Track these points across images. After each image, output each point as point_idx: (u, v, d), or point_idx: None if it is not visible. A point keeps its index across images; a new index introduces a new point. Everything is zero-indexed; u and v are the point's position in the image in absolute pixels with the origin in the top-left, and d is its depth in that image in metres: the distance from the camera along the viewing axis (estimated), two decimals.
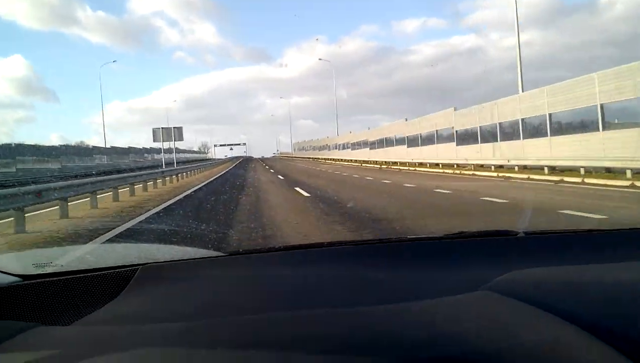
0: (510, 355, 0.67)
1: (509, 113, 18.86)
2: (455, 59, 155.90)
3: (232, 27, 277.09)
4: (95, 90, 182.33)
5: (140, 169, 21.84)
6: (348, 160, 46.16)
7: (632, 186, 10.62)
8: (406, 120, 31.59)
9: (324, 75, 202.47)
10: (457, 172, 20.15)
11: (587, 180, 12.28)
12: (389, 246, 1.50)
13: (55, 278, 1.14)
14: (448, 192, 10.98)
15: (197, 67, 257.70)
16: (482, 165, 20.07)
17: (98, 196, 10.61)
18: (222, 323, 0.86)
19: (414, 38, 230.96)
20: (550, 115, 16.15)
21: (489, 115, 20.53)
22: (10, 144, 26.37)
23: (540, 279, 1.02)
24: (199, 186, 17.03)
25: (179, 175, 22.36)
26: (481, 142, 21.20)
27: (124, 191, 13.08)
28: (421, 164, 26.79)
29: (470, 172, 19.05)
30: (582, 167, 13.40)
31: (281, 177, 21.18)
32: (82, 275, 1.15)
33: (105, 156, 47.30)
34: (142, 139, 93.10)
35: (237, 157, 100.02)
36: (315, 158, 66.16)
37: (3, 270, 1.14)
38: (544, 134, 16.38)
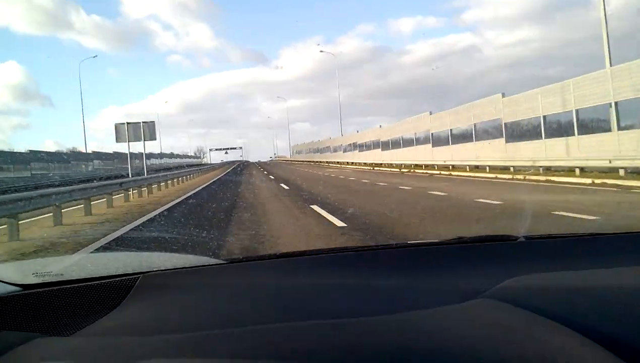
0: (510, 361, 0.68)
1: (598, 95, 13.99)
2: (452, 58, 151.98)
3: (227, 28, 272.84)
4: (91, 95, 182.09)
5: (103, 178, 16.97)
6: (356, 163, 41.10)
7: None
8: (431, 113, 26.67)
9: (320, 78, 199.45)
10: (519, 177, 15.20)
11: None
12: (389, 252, 1.48)
13: (55, 288, 1.11)
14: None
15: (193, 70, 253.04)
16: (549, 168, 15.16)
17: None
18: (223, 332, 0.86)
19: (410, 37, 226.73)
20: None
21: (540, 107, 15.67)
22: None
23: (541, 285, 1.02)
24: (172, 204, 12.06)
25: (160, 184, 17.44)
26: (545, 138, 16.36)
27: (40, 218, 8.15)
28: (455, 167, 21.87)
29: (544, 178, 14.03)
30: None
31: (285, 187, 16.26)
32: (82, 284, 1.13)
33: (87, 163, 42.91)
34: (139, 144, 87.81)
35: (232, 162, 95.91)
36: (317, 161, 61.12)
37: (3, 280, 1.12)
38: None
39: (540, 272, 1.11)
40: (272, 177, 24.98)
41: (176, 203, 11.90)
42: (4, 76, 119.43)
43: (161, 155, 75.05)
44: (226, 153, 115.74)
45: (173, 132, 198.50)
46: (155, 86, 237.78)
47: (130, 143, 16.23)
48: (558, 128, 15.94)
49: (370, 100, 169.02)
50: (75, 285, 1.13)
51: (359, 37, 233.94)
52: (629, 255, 1.30)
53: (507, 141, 18.73)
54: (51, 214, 8.53)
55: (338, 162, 47.97)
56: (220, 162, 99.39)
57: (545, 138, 16.42)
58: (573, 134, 15.01)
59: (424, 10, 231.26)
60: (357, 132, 44.18)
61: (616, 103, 13.36)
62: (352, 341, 0.77)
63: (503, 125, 18.97)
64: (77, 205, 10.38)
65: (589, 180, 11.96)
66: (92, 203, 10.35)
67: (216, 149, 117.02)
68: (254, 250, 5.05)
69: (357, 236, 5.60)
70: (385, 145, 34.63)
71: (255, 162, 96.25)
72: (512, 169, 16.90)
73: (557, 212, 6.74)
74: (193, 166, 52.50)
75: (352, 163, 42.49)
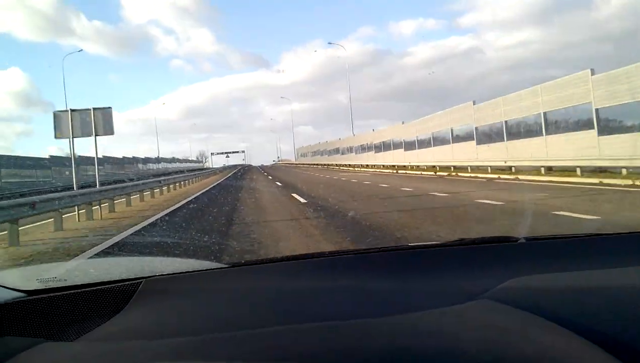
0: (509, 362, 0.67)
1: None
2: (452, 60, 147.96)
3: (228, 33, 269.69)
4: (93, 100, 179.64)
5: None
6: (372, 166, 36.10)
7: None
8: (474, 103, 21.65)
9: (322, 81, 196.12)
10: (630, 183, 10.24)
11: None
12: (390, 254, 1.47)
13: (59, 293, 1.11)
14: None
15: (195, 75, 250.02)
16: None
17: None
18: (224, 336, 0.85)
19: (411, 40, 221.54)
20: None
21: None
22: None
23: (541, 286, 1.02)
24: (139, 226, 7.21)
25: (144, 190, 12.60)
26: None
27: None
28: (519, 170, 16.86)
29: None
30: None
31: (302, 200, 11.30)
32: (86, 289, 1.13)
33: (69, 168, 38.41)
34: (142, 149, 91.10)
35: (234, 166, 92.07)
36: (325, 164, 56.08)
37: (7, 286, 1.12)
38: None
39: (540, 273, 1.11)
40: (280, 184, 20.01)
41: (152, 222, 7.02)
42: (6, 83, 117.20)
43: (158, 160, 71.06)
44: (227, 156, 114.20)
45: (175, 137, 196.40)
46: (158, 91, 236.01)
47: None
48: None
49: (372, 103, 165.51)
50: (79, 290, 1.13)
51: (360, 40, 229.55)
52: (630, 255, 1.27)
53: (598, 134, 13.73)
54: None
55: (350, 165, 42.93)
56: (221, 166, 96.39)
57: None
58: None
59: (424, 13, 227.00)
60: (373, 130, 39.11)
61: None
62: (351, 343, 0.78)
63: (595, 113, 13.95)
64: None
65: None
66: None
67: (218, 153, 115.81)
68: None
69: None
70: (410, 145, 29.61)
71: (258, 166, 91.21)
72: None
73: None
74: (189, 171, 47.70)
75: (368, 165, 37.46)
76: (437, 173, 21.73)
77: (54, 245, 6.73)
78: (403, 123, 31.28)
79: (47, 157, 35.40)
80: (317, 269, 1.32)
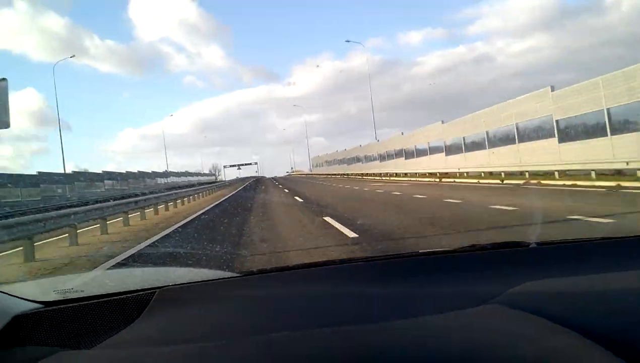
0: None
1: None
2: (462, 68, 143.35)
3: (238, 48, 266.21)
4: (106, 118, 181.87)
5: None
6: (405, 175, 30.99)
7: None
8: (552, 89, 16.49)
9: (333, 92, 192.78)
10: None
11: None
12: (402, 261, 1.45)
13: (76, 304, 1.14)
14: None
15: (207, 91, 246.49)
16: None
17: None
18: (239, 344, 0.86)
19: (420, 49, 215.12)
20: None
21: None
22: None
23: (551, 291, 1.02)
24: None
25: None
26: None
27: None
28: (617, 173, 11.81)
29: None
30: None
31: (348, 233, 6.34)
32: (102, 300, 1.15)
33: (64, 185, 34.29)
34: (155, 165, 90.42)
35: (246, 178, 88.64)
36: (345, 174, 51.12)
37: (25, 297, 1.15)
38: None
39: (552, 277, 1.10)
40: (300, 200, 15.15)
41: None
42: (22, 103, 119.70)
43: (167, 174, 67.52)
44: (239, 169, 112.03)
45: (189, 151, 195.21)
46: (171, 107, 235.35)
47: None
48: None
49: (383, 113, 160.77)
50: (94, 301, 1.14)
51: (368, 51, 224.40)
52: None
53: None
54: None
55: (375, 174, 37.92)
56: (235, 178, 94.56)
57: None
58: None
59: (432, 22, 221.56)
60: (402, 133, 33.99)
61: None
62: (364, 349, 0.78)
63: None
64: None
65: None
66: None
67: (230, 166, 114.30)
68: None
69: None
70: (454, 149, 24.54)
71: (271, 178, 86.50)
72: None
73: None
74: (197, 185, 43.39)
75: (397, 174, 32.38)
76: (504, 181, 16.61)
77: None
78: (443, 122, 26.16)
79: (36, 174, 32.01)
80: (329, 277, 1.31)
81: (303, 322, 0.98)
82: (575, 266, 1.21)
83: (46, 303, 1.12)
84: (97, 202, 18.11)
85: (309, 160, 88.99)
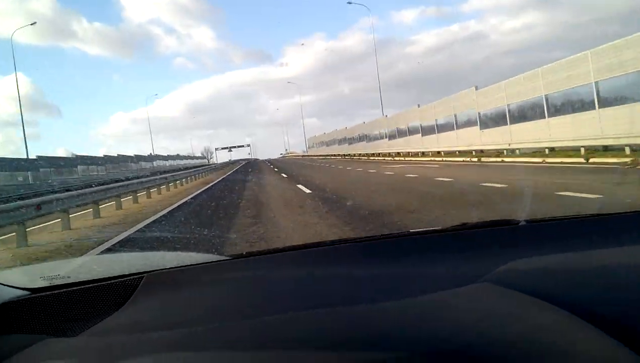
0: (508, 346, 0.67)
1: None
2: (457, 46, 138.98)
3: (229, 29, 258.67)
4: (97, 102, 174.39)
5: None
6: (423, 154, 26.80)
7: None
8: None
9: (325, 73, 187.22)
10: None
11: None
12: (392, 241, 1.45)
13: (62, 290, 1.11)
14: None
15: (198, 73, 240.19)
16: None
17: None
18: (229, 327, 0.86)
19: (414, 28, 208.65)
20: None
21: None
22: None
23: (540, 268, 1.02)
24: None
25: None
26: None
27: None
28: None
29: None
30: None
31: None
32: (89, 285, 1.13)
33: (25, 172, 29.77)
34: (147, 149, 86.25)
35: (237, 161, 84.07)
36: (346, 155, 46.86)
37: (11, 284, 1.13)
38: None
39: (541, 255, 1.11)
40: (308, 191, 10.91)
41: None
42: (10, 88, 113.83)
43: (152, 157, 62.92)
44: (230, 151, 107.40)
45: (181, 134, 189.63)
46: (161, 90, 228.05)
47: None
48: None
49: (377, 93, 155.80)
50: (82, 287, 1.13)
51: (362, 30, 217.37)
52: (630, 234, 1.25)
53: None
54: None
55: (384, 154, 33.72)
56: (227, 161, 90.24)
57: None
58: None
59: (425, 1, 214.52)
60: (419, 106, 29.60)
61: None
62: (354, 330, 0.79)
63: None
64: None
65: None
66: None
67: (222, 148, 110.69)
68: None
69: None
70: (491, 121, 20.31)
71: (265, 160, 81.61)
72: None
73: None
74: (184, 170, 38.96)
75: (410, 153, 28.19)
76: (590, 160, 12.45)
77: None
78: (477, 88, 21.78)
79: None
80: (319, 258, 1.31)
81: (293, 304, 0.97)
82: (565, 243, 1.20)
83: (33, 290, 1.10)
84: (54, 192, 14.91)
85: (305, 141, 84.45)
